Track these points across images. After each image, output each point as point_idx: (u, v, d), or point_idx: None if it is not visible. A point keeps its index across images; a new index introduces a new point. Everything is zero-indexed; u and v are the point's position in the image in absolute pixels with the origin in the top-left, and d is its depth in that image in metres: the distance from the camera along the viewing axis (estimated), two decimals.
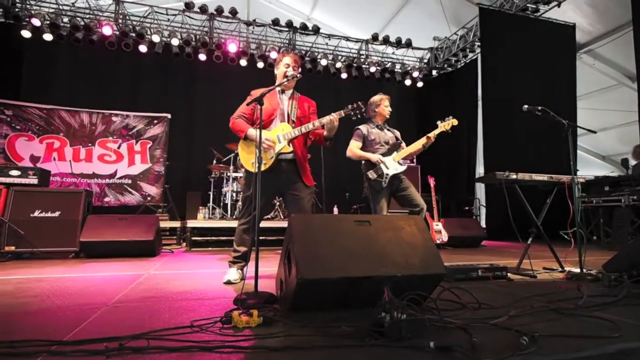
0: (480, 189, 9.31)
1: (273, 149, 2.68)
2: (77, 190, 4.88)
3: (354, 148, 3.55)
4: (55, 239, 4.19)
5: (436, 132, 3.46)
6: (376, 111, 3.63)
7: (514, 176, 3.18)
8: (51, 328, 1.60)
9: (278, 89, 2.87)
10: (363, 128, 3.60)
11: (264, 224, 5.33)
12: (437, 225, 5.72)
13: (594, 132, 3.27)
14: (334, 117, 2.72)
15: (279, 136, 2.73)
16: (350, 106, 2.81)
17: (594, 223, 6.07)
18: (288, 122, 2.79)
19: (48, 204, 4.28)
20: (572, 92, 7.55)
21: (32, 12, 7.09)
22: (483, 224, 8.14)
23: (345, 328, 1.53)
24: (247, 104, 2.67)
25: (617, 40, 7.47)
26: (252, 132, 2.70)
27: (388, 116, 3.67)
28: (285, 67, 2.88)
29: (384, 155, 3.47)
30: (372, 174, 3.41)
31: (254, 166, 2.24)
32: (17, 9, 7.12)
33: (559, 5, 7.11)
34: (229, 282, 2.66)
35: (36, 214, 4.23)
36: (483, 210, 8.89)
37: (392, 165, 3.43)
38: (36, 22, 6.93)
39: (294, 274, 1.68)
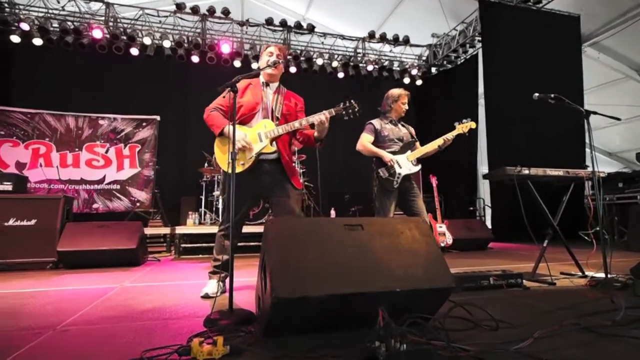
0: (484, 188, 8.97)
1: (251, 150, 2.38)
2: (54, 196, 4.57)
3: (366, 142, 3.22)
4: (31, 249, 3.91)
5: (454, 133, 3.17)
6: (392, 106, 3.30)
7: (526, 171, 2.85)
8: None
9: (262, 80, 2.58)
10: (376, 122, 3.29)
11: (250, 228, 5.02)
12: (441, 227, 5.39)
13: (618, 119, 2.97)
14: (324, 117, 2.38)
15: (260, 134, 2.41)
16: (342, 104, 2.44)
17: (608, 221, 5.74)
18: (272, 119, 2.46)
19: (23, 211, 4.01)
20: (579, 84, 7.21)
21: (21, 16, 6.86)
22: (488, 224, 7.80)
23: None
24: (222, 95, 2.38)
25: (623, 31, 7.16)
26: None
27: (404, 114, 3.36)
28: (268, 55, 2.57)
29: (396, 152, 3.17)
30: (383, 172, 3.10)
31: (230, 166, 1.94)
32: (5, 14, 6.89)
33: None
34: (206, 296, 2.36)
35: (10, 222, 3.97)
36: (488, 210, 8.54)
37: (406, 165, 3.13)
38: (25, 26, 6.72)
39: (269, 292, 1.37)
